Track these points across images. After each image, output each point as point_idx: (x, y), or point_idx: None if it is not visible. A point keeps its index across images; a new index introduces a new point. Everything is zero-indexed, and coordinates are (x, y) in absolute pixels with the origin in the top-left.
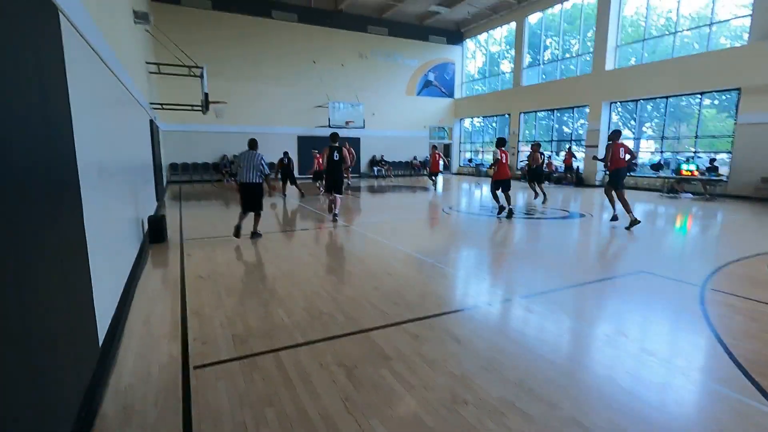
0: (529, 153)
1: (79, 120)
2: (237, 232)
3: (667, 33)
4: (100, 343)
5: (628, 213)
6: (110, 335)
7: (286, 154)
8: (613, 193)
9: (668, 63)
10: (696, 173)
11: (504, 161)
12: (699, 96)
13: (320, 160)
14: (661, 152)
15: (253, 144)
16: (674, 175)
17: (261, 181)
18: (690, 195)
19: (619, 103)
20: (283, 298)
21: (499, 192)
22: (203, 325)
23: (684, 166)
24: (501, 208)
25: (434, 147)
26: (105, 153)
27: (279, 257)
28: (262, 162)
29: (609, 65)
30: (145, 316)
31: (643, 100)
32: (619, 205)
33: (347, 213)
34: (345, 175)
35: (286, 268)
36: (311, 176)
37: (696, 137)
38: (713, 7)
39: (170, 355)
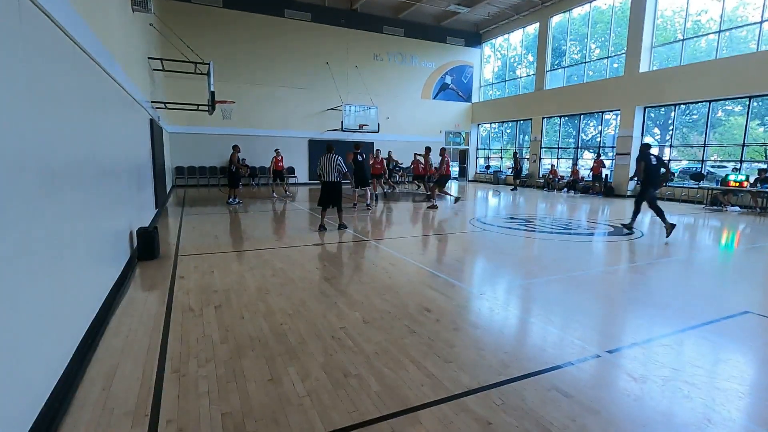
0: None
1: None
2: (322, 228)
3: (705, 34)
4: None
5: (431, 199)
6: (42, 425)
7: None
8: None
9: (711, 64)
10: (746, 184)
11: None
12: (746, 100)
13: (279, 160)
14: (702, 161)
15: (330, 148)
16: (719, 186)
17: (340, 179)
18: (737, 208)
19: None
20: (294, 347)
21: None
22: (184, 395)
23: (731, 177)
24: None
25: (415, 154)
26: (61, 153)
27: (287, 282)
28: (340, 162)
29: (643, 67)
30: (108, 375)
31: (682, 104)
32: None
33: (364, 225)
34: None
35: (297, 298)
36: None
37: (743, 145)
38: (764, 6)
39: None
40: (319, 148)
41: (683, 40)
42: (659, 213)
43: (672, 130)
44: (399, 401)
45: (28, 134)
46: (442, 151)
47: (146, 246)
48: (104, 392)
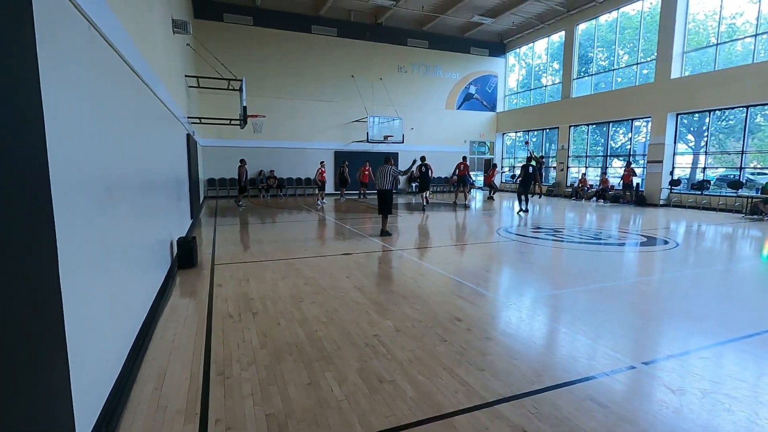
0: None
1: (65, 119)
2: (383, 233)
3: (741, 38)
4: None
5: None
6: (105, 419)
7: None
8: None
9: (748, 69)
10: None
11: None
12: None
13: (323, 172)
14: (740, 168)
15: (387, 160)
16: (760, 195)
17: (392, 188)
18: None
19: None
20: (330, 354)
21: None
22: (230, 396)
23: None
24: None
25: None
26: (116, 167)
27: (319, 291)
28: (394, 171)
29: (675, 73)
30: (159, 376)
31: (717, 110)
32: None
33: (394, 236)
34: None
35: (329, 306)
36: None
37: None
38: None
39: None
40: (344, 160)
41: (717, 44)
42: (526, 200)
43: (707, 136)
44: (434, 407)
45: (93, 151)
46: (463, 159)
47: (185, 255)
48: (157, 391)
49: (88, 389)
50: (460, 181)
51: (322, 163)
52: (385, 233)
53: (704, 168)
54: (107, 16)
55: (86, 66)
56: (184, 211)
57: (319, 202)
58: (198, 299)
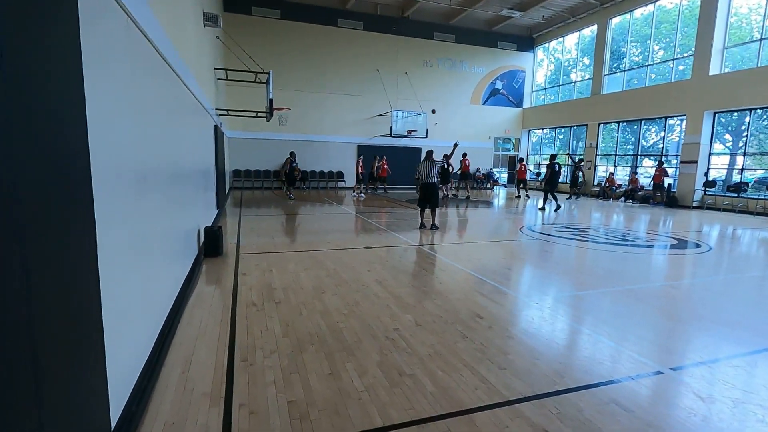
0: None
1: (105, 109)
2: (422, 226)
3: None
4: (114, 423)
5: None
6: (135, 399)
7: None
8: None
9: None
10: None
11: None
12: None
13: (362, 165)
14: None
15: (429, 154)
16: None
17: (437, 181)
18: None
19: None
20: (351, 345)
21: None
22: (253, 382)
23: None
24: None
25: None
26: (149, 158)
27: (340, 283)
28: (437, 165)
29: (714, 69)
30: (186, 360)
31: (759, 109)
32: None
33: (412, 231)
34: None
35: (350, 298)
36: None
37: None
38: None
39: (207, 429)
40: (367, 153)
41: (761, 39)
42: (555, 198)
43: (746, 136)
44: (454, 403)
45: (129, 142)
46: (464, 156)
47: (212, 244)
48: (183, 375)
49: (121, 370)
50: (463, 176)
51: (360, 157)
52: (433, 227)
53: (742, 169)
54: (143, 7)
55: (124, 57)
56: (210, 200)
57: (354, 194)
58: (223, 287)
